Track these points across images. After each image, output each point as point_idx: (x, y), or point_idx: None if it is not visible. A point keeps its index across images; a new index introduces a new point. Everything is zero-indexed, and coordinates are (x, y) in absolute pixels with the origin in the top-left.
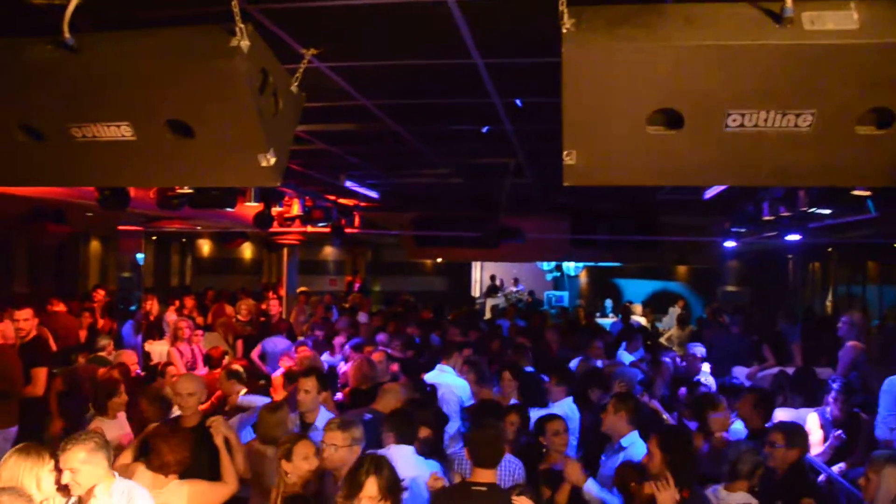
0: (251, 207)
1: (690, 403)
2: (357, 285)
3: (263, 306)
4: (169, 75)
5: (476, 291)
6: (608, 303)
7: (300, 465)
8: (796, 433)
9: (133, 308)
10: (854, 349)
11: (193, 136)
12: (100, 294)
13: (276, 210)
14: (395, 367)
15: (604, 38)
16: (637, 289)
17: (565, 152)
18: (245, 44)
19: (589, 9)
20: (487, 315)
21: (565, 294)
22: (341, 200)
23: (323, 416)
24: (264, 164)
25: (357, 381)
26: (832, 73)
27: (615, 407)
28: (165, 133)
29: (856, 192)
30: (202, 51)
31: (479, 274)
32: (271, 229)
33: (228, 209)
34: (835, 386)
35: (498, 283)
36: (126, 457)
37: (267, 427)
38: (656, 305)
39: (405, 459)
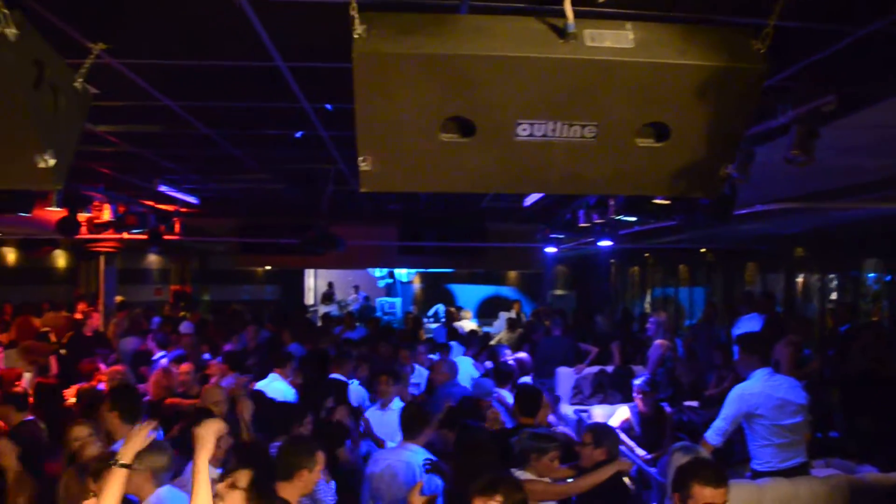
0: (54, 212)
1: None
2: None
3: (78, 316)
4: None
5: (310, 299)
6: (441, 308)
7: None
8: (604, 434)
9: None
10: (661, 347)
11: None
12: None
13: (83, 216)
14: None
15: (395, 45)
16: (470, 294)
17: (360, 158)
18: (12, 32)
19: (380, 15)
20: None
21: (398, 300)
22: (160, 206)
23: None
24: (42, 165)
25: (155, 393)
26: (611, 87)
27: None
28: None
29: (656, 202)
30: None
31: (314, 282)
32: (82, 236)
33: (23, 214)
34: (639, 383)
35: (333, 290)
36: None
37: None
38: (488, 310)
39: None
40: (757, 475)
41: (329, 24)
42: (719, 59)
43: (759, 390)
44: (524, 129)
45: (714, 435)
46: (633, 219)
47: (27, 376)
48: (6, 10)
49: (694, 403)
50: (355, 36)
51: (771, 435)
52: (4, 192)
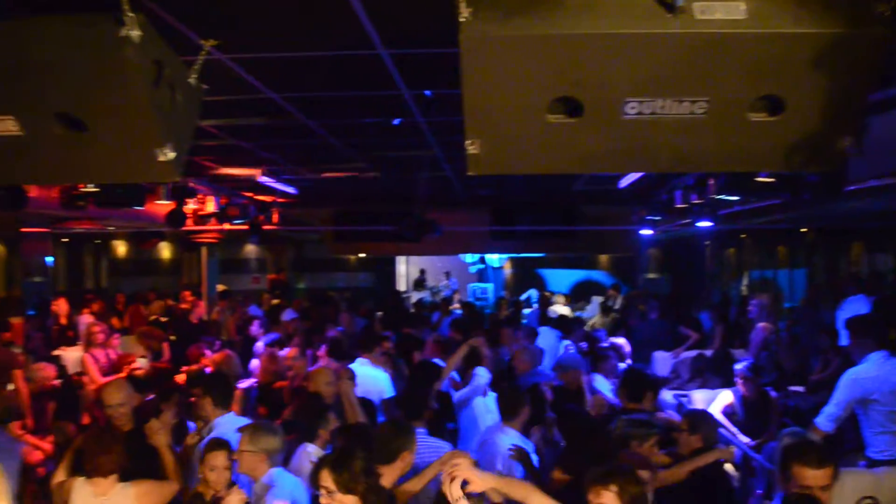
0: (163, 205)
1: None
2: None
3: (184, 306)
4: (55, 66)
5: (402, 286)
6: (534, 293)
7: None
8: (701, 421)
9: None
10: (764, 330)
11: (85, 130)
12: None
13: (189, 208)
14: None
15: (501, 27)
16: (561, 279)
17: (468, 141)
18: (135, 34)
19: None
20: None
21: (490, 286)
22: (259, 197)
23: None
24: (162, 158)
25: (263, 378)
26: (723, 61)
27: None
28: (55, 127)
29: (759, 179)
30: (89, 41)
31: (405, 268)
32: (187, 228)
33: (137, 207)
34: (741, 367)
35: (425, 277)
36: (60, 474)
37: None
38: (580, 294)
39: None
40: (873, 464)
41: (431, 9)
42: (838, 25)
43: (874, 374)
44: (633, 108)
45: (825, 421)
46: (735, 198)
47: (142, 361)
48: (131, 14)
49: (799, 388)
50: (461, 20)
51: (888, 422)
52: (119, 187)
